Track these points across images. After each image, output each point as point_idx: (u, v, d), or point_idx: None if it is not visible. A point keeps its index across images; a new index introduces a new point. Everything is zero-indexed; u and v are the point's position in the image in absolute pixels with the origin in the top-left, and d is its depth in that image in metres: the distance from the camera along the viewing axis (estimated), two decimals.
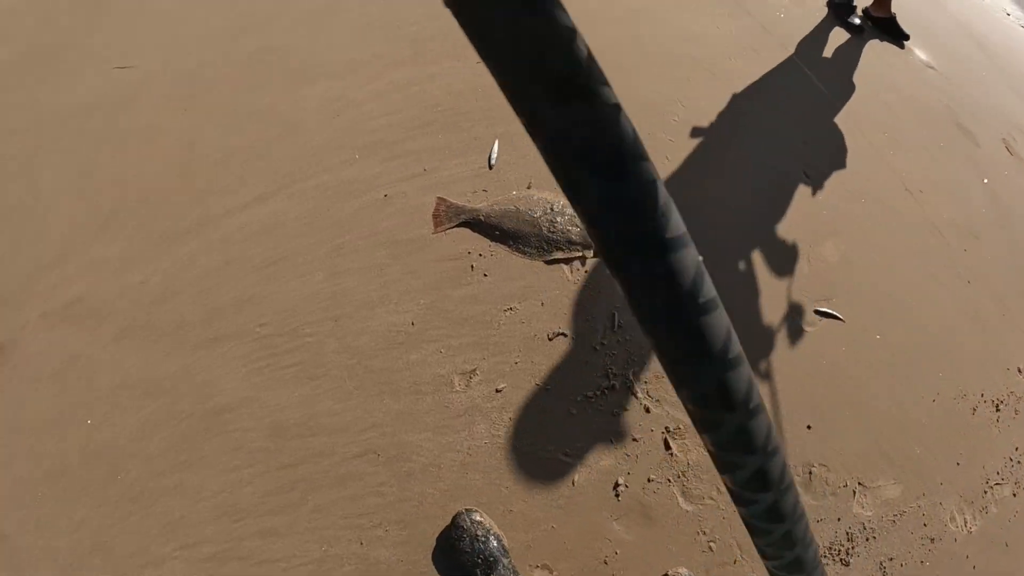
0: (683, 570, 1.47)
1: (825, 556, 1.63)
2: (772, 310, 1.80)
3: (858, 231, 2.01)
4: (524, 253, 1.74)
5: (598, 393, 1.61)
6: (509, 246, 1.75)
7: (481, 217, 1.77)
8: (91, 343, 1.60)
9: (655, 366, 1.65)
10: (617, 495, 1.56)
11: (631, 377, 1.63)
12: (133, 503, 1.49)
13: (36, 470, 1.49)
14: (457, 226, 1.78)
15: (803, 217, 1.97)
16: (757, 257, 1.83)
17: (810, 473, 1.66)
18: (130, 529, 1.47)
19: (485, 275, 1.72)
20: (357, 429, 1.57)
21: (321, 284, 1.69)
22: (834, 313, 1.82)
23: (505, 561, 1.38)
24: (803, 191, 2.05)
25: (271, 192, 1.81)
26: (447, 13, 0.20)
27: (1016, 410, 1.95)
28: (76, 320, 1.64)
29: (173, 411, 1.55)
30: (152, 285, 1.68)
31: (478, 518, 1.42)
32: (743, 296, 1.80)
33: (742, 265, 1.82)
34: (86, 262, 1.71)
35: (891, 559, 1.68)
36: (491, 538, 1.39)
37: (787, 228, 1.93)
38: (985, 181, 2.42)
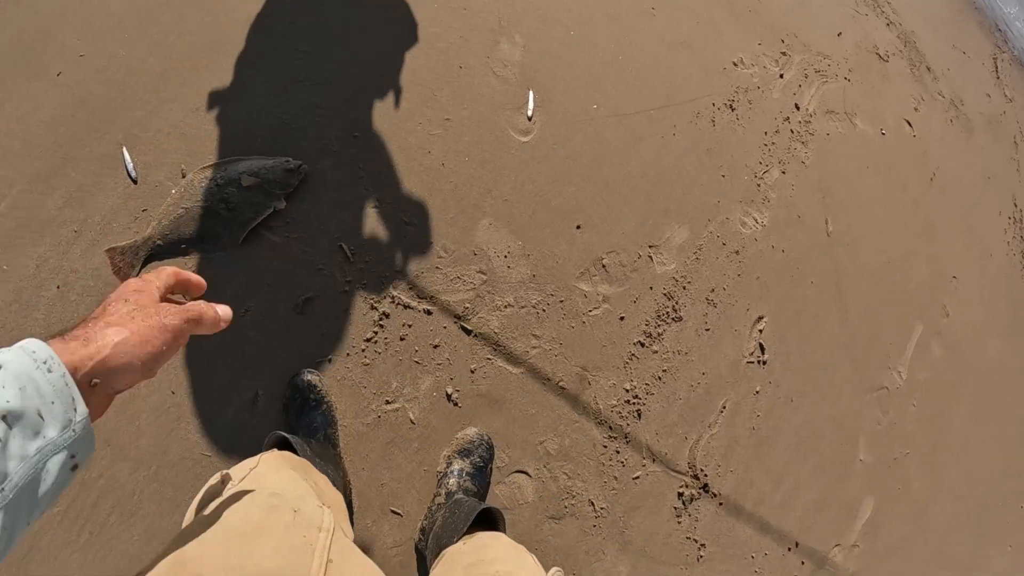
0: (471, 429, 1.46)
1: (658, 324, 1.66)
2: (482, 142, 1.71)
3: (525, 16, 1.92)
4: (218, 248, 1.52)
5: (376, 329, 1.48)
6: (205, 250, 1.52)
7: (159, 241, 1.52)
8: None
9: (410, 267, 1.54)
10: (456, 403, 1.48)
11: (395, 293, 1.51)
12: None
13: None
14: (143, 267, 1.52)
15: (461, 26, 1.84)
16: (434, 97, 1.71)
17: (603, 266, 1.66)
18: None
19: (197, 298, 1.50)
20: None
21: None
22: (530, 109, 1.76)
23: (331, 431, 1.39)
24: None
25: None
26: None
27: (749, 100, 2.05)
28: None
29: None
30: None
31: (315, 381, 1.40)
32: (447, 145, 1.69)
33: (427, 111, 1.70)
34: None
35: (712, 290, 1.75)
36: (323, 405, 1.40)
37: (445, 50, 1.81)
38: None
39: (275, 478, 0.83)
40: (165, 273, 0.55)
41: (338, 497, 1.09)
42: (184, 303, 0.55)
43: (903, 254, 2.18)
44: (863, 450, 1.98)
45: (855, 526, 1.97)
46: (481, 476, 1.40)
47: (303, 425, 1.35)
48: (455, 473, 1.37)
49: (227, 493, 0.76)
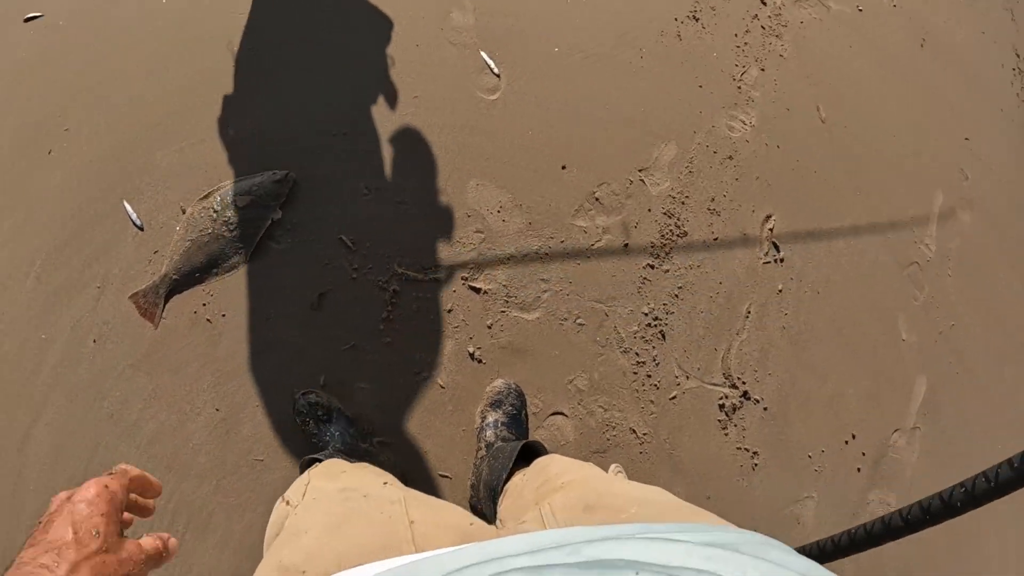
0: (498, 380, 1.48)
1: (664, 243, 1.66)
2: (454, 109, 1.73)
3: None
4: (231, 267, 1.59)
5: (389, 307, 1.53)
6: (216, 274, 1.59)
7: (175, 276, 1.59)
8: None
9: (410, 243, 1.57)
10: (480, 360, 1.52)
11: (400, 270, 1.55)
12: None
13: None
14: (165, 303, 1.60)
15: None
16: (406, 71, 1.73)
17: (596, 199, 1.66)
18: None
19: (223, 315, 1.57)
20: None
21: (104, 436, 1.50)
22: (491, 67, 1.76)
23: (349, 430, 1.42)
24: None
25: None
26: None
27: (712, 7, 2.00)
28: None
29: None
30: None
31: (314, 399, 1.43)
32: (420, 120, 1.71)
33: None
34: None
35: (712, 199, 1.73)
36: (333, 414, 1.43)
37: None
38: None
39: (334, 481, 0.85)
40: (130, 476, 0.51)
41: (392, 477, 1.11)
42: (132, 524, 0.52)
43: (907, 125, 2.11)
44: (904, 330, 1.93)
45: (911, 408, 1.93)
46: (517, 424, 1.43)
47: (327, 440, 1.39)
48: (491, 425, 1.40)
49: (296, 512, 0.79)
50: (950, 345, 2.01)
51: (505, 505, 1.03)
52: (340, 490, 0.78)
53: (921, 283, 1.98)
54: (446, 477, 1.47)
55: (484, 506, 1.26)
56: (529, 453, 1.19)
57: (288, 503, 0.83)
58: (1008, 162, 2.28)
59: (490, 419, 1.42)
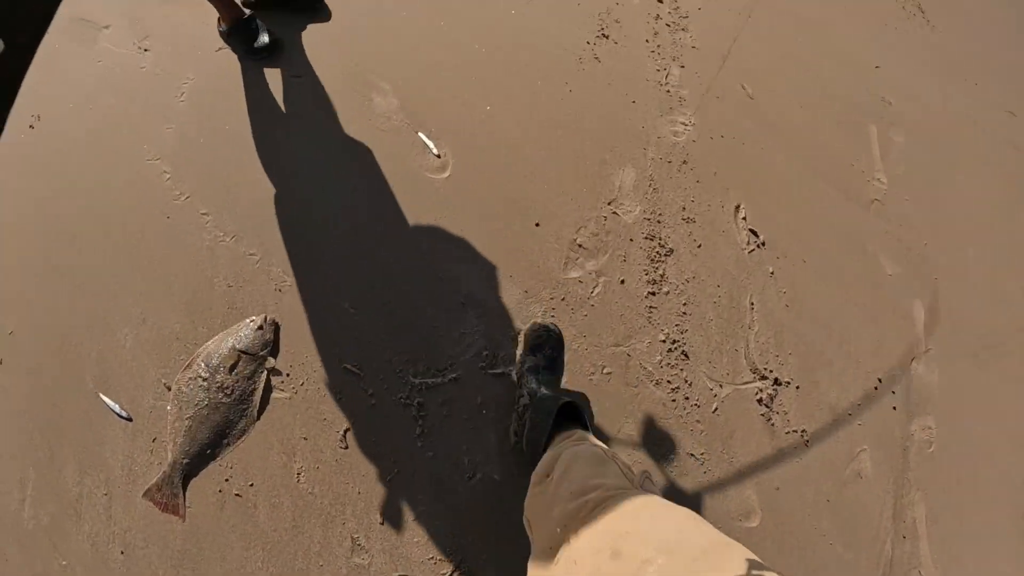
0: (535, 323, 1.54)
1: (655, 267, 1.67)
2: (406, 200, 1.70)
3: (378, 62, 1.90)
4: (241, 433, 1.51)
5: (419, 421, 1.48)
6: (228, 445, 1.51)
7: (185, 460, 1.51)
8: None
9: (416, 349, 1.53)
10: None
11: (416, 380, 1.50)
12: None
13: None
14: (184, 491, 1.51)
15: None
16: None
17: (579, 244, 1.66)
18: None
19: (251, 484, 1.49)
20: None
21: None
22: (431, 148, 1.75)
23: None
24: None
25: None
26: None
27: (616, 20, 2.04)
28: None
29: None
30: None
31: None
32: (374, 219, 1.67)
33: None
34: None
35: (683, 208, 1.75)
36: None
37: None
38: None
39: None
40: None
41: None
42: None
43: (821, 72, 2.20)
44: (888, 265, 2.02)
45: (918, 333, 2.02)
46: (556, 367, 1.48)
47: None
48: (531, 370, 1.43)
49: None
50: (930, 264, 2.11)
51: (534, 508, 1.02)
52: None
53: (887, 216, 2.07)
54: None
55: (527, 458, 1.31)
56: (572, 411, 1.28)
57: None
58: (918, 73, 2.41)
59: (529, 363, 1.45)
